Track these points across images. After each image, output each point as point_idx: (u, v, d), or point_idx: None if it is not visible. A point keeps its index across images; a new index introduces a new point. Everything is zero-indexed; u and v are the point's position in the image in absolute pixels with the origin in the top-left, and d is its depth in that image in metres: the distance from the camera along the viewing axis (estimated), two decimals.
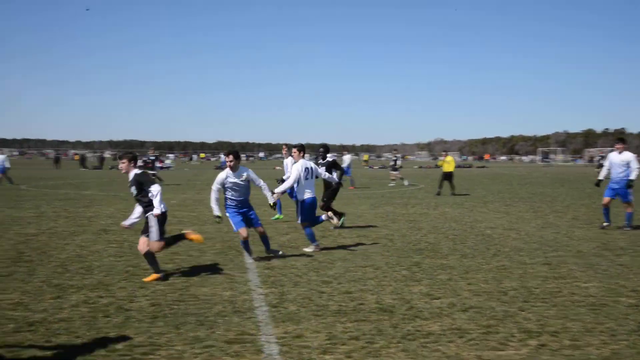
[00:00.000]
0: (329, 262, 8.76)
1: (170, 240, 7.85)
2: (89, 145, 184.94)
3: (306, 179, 9.79)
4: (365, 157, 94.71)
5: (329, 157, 13.00)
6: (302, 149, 10.14)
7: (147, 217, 7.63)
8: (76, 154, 73.59)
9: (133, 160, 7.74)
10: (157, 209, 7.40)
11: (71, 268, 8.14)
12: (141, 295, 6.71)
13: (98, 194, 22.58)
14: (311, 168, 9.93)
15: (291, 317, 5.87)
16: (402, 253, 9.54)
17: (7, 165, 28.28)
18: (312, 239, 9.77)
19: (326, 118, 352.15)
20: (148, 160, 26.35)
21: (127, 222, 7.84)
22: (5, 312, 5.89)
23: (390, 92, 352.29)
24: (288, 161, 13.61)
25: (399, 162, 31.88)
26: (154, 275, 7.49)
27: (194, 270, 8.05)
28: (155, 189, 7.43)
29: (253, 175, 8.82)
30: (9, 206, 16.86)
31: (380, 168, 32.16)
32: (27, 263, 8.43)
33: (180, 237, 7.97)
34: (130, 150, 7.76)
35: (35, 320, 5.65)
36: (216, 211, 8.62)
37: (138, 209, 7.75)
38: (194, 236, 7.91)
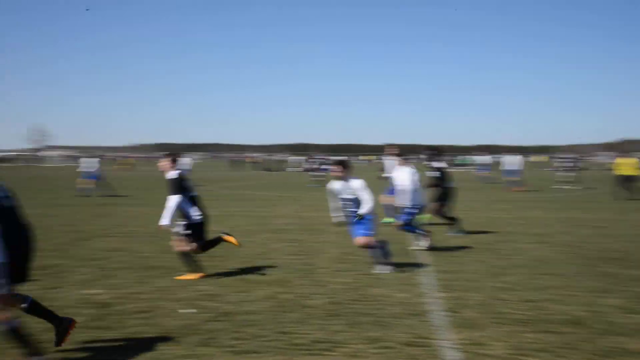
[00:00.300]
0: (506, 268, 8.36)
1: (207, 244, 7.93)
2: (266, 148, 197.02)
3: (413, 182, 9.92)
4: (542, 158, 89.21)
5: (438, 164, 12.07)
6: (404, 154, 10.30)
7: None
8: (252, 157, 79.19)
9: (174, 161, 7.89)
10: (163, 220, 7.47)
11: (255, 264, 8.70)
12: (318, 293, 6.95)
13: (275, 194, 23.94)
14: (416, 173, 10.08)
15: (469, 324, 5.69)
16: (589, 261, 8.78)
17: (189, 168, 31.26)
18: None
19: (506, 117, 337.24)
20: (314, 163, 27.35)
21: (163, 222, 7.66)
22: (202, 303, 6.47)
23: (569, 88, 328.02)
24: (389, 162, 13.05)
25: (575, 164, 29.64)
26: (195, 275, 7.70)
27: (368, 271, 8.16)
28: (171, 200, 7.52)
29: (360, 188, 8.17)
30: None
31: (562, 170, 29.95)
32: (217, 257, 9.17)
33: (218, 240, 8.06)
34: (174, 151, 8.08)
35: (227, 311, 6.13)
36: (336, 216, 8.44)
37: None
38: (228, 238, 8.03)
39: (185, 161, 31.71)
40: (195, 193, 7.89)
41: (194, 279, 7.62)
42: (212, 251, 9.71)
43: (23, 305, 4.77)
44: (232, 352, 4.92)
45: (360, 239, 8.11)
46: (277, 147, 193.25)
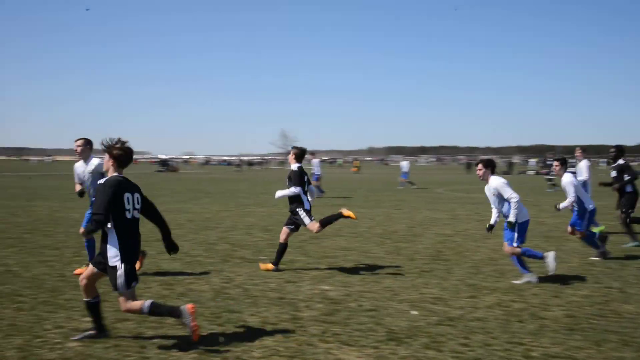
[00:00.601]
0: None
1: (326, 221, 8.24)
2: (497, 150, 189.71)
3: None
4: None
5: (618, 164, 10.83)
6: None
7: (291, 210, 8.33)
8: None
9: (298, 156, 8.39)
10: (277, 194, 8.34)
11: (484, 270, 8.35)
12: (555, 304, 6.40)
13: None
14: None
15: None
16: None
17: (408, 170, 31.76)
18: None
19: None
20: (548, 164, 25.62)
21: (277, 195, 8.42)
22: (428, 305, 6.39)
23: None
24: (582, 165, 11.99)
25: None
26: (270, 266, 8.25)
27: (614, 285, 7.28)
28: (294, 189, 8.14)
29: (500, 187, 7.51)
30: (427, 208, 18.53)
31: None
32: (444, 261, 9.03)
33: (337, 216, 8.21)
34: (301, 147, 8.41)
35: (454, 316, 5.95)
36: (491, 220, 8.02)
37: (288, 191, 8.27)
38: (347, 213, 8.11)
39: (404, 164, 32.32)
40: (307, 187, 8.43)
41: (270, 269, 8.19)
42: (440, 254, 9.61)
43: (89, 300, 5.13)
44: (459, 359, 4.75)
45: (505, 247, 7.70)
46: (512, 149, 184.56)
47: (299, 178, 8.24)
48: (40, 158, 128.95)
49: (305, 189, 8.36)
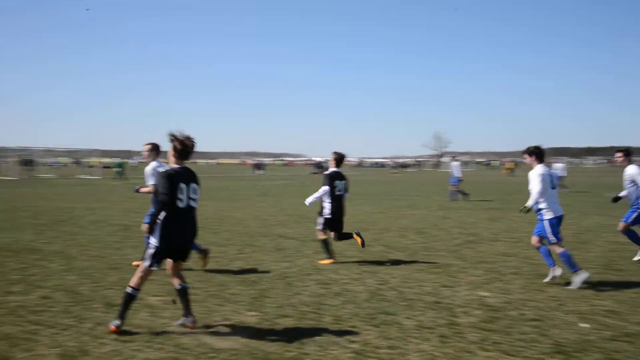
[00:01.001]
0: None
1: (342, 236, 9.00)
2: None
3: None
4: None
5: None
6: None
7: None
8: None
9: (337, 160, 9.07)
10: (307, 200, 9.08)
11: None
12: None
13: None
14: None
15: None
16: None
17: (564, 174, 29.56)
18: None
19: None
20: None
21: (307, 201, 9.11)
22: (600, 318, 5.86)
23: None
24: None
25: None
26: (327, 261, 8.81)
27: None
28: (321, 189, 8.84)
29: (531, 176, 7.43)
30: (597, 213, 17.08)
31: None
32: (618, 272, 8.26)
33: (349, 235, 8.96)
34: (341, 152, 8.31)
35: (632, 332, 5.40)
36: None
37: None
38: (357, 239, 8.87)
39: (557, 166, 30.37)
40: (340, 193, 8.91)
41: (327, 264, 8.71)
42: (613, 263, 8.80)
43: (178, 287, 5.50)
44: None
45: (532, 238, 7.70)
46: None
47: (327, 179, 8.89)
48: (206, 161, 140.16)
49: (337, 193, 8.85)
